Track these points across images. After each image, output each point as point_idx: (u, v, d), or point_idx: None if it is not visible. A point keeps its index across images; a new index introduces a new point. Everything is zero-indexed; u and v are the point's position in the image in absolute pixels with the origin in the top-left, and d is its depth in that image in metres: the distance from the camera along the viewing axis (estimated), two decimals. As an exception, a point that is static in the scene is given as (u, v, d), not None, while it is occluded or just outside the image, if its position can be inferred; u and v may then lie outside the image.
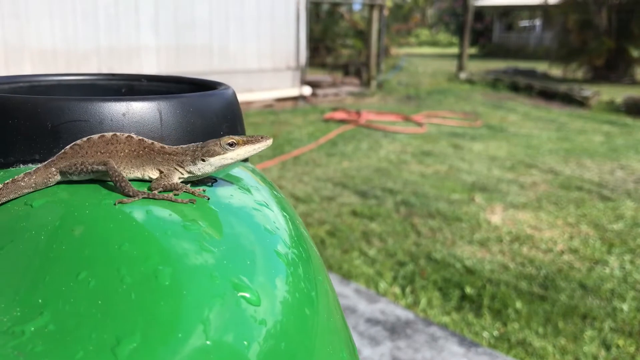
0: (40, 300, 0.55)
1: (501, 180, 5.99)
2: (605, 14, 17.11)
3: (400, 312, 3.18)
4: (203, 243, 0.63)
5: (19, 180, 0.76)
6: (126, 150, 0.80)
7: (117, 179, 0.75)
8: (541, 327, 3.07)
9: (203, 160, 0.80)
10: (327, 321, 0.69)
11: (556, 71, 17.68)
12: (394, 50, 24.48)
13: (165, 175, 0.80)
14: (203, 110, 0.92)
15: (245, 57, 10.62)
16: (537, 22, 31.16)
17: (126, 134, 0.81)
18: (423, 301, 3.31)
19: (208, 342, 0.52)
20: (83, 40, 8.39)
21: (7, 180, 0.76)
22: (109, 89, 1.19)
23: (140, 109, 0.86)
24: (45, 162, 0.79)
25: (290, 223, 0.81)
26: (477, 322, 3.12)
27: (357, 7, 21.86)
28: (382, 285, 3.51)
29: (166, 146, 0.83)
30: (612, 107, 11.66)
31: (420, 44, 38.76)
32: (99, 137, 0.80)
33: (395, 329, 3.00)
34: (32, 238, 0.64)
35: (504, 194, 5.45)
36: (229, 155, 0.79)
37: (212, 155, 0.79)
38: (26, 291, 0.57)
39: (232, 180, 0.87)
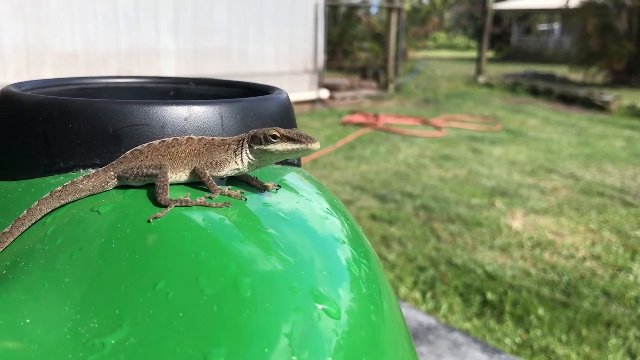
0: (117, 312, 0.53)
1: (521, 185, 5.94)
2: (625, 17, 16.91)
3: (422, 318, 3.16)
4: (278, 252, 0.61)
5: (77, 183, 0.76)
6: (187, 150, 0.79)
7: (159, 184, 0.74)
8: (564, 335, 3.03)
9: (250, 147, 0.79)
10: (397, 332, 0.68)
11: (575, 75, 17.51)
12: (412, 54, 24.41)
13: (219, 165, 0.78)
14: (262, 115, 0.90)
15: (264, 60, 10.65)
16: (556, 26, 30.92)
17: (186, 136, 0.80)
18: (444, 307, 3.29)
19: (294, 358, 0.49)
20: (103, 43, 8.46)
21: (67, 183, 0.76)
22: (157, 92, 1.18)
23: (203, 113, 0.84)
24: (105, 167, 0.79)
25: (352, 230, 0.79)
26: (499, 328, 3.09)
27: (374, 10, 21.86)
28: (403, 290, 3.49)
29: (227, 138, 0.82)
30: (633, 112, 11.52)
31: (438, 47, 38.62)
32: (159, 142, 0.79)
33: (417, 335, 2.98)
34: (103, 246, 0.62)
35: (525, 199, 5.40)
36: (269, 147, 0.78)
37: (256, 143, 0.79)
38: (102, 302, 0.55)
39: (291, 187, 0.85)
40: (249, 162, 0.81)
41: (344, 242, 0.72)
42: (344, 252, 0.69)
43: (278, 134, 0.78)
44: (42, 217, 0.74)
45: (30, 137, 0.82)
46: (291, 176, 0.93)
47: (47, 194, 0.75)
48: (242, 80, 1.16)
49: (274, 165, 0.95)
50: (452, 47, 39.32)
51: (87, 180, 0.76)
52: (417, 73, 18.53)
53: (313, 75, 11.44)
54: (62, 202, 0.75)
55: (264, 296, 0.54)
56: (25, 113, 0.83)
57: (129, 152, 0.79)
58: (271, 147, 0.78)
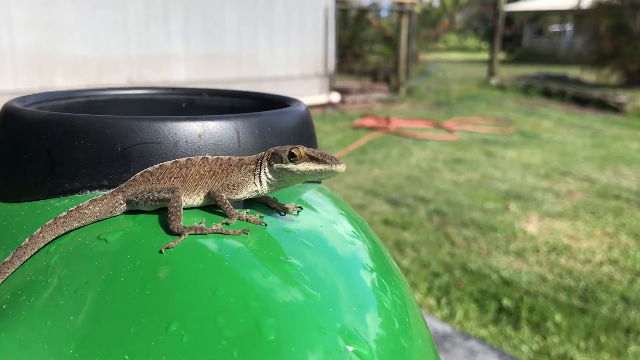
0: (126, 356, 0.48)
1: (536, 188, 5.87)
2: (639, 17, 16.75)
3: (437, 325, 3.11)
4: (303, 286, 0.56)
5: (83, 208, 0.71)
6: (202, 172, 0.74)
7: (172, 210, 0.68)
8: (582, 342, 2.97)
9: (269, 165, 0.74)
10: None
11: (588, 76, 17.36)
12: (423, 56, 24.34)
13: (236, 187, 0.73)
14: (280, 129, 0.85)
15: (274, 64, 10.64)
16: (568, 27, 30.71)
17: (201, 156, 0.75)
18: (459, 313, 3.24)
19: None
20: (114, 48, 8.48)
21: (72, 208, 0.71)
22: (168, 104, 1.13)
23: (217, 130, 0.79)
24: (113, 190, 0.74)
25: (380, 255, 0.74)
26: (515, 335, 3.03)
27: (384, 13, 21.81)
28: (417, 296, 3.44)
29: (245, 157, 0.77)
30: (648, 113, 11.39)
31: (449, 49, 38.49)
32: (172, 163, 0.74)
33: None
34: (111, 279, 0.57)
35: (539, 203, 5.33)
36: (290, 166, 0.73)
37: (276, 162, 0.74)
38: (110, 345, 0.50)
39: (313, 209, 0.80)
40: (268, 183, 0.75)
41: (373, 270, 0.67)
42: (374, 282, 0.64)
43: (300, 153, 0.73)
44: (45, 245, 0.69)
45: (33, 156, 0.77)
46: (312, 195, 0.87)
47: (51, 221, 0.69)
48: (254, 85, 1.12)
49: None
50: (463, 49, 39.17)
51: (94, 205, 0.71)
52: (428, 76, 18.46)
53: (324, 79, 11.42)
54: (67, 228, 0.70)
55: (289, 339, 0.49)
56: (29, 130, 0.78)
57: (138, 174, 0.74)
58: (292, 166, 0.73)
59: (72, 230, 0.71)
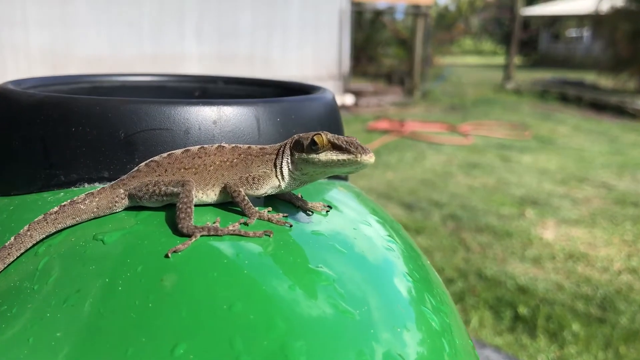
0: None
1: (552, 194, 5.77)
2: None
3: (450, 332, 3.04)
4: (338, 302, 0.46)
5: (78, 203, 0.61)
6: (217, 162, 0.64)
7: (182, 206, 0.58)
8: (601, 352, 2.89)
9: (291, 155, 0.64)
10: None
11: (606, 82, 17.16)
12: (438, 60, 24.22)
13: (256, 181, 0.62)
14: (305, 118, 0.75)
15: (288, 65, 10.61)
16: (586, 32, 30.44)
17: (216, 145, 0.65)
18: (474, 320, 3.17)
19: None
20: (128, 47, 8.50)
21: (65, 203, 0.61)
22: (180, 92, 1.04)
23: (235, 115, 0.68)
24: (113, 182, 0.64)
25: (420, 262, 0.65)
26: (531, 344, 2.96)
27: (400, 15, 21.73)
28: (431, 302, 3.38)
29: (267, 146, 0.67)
30: (666, 120, 11.22)
31: (464, 53, 38.30)
32: (182, 152, 0.64)
33: (445, 350, 2.87)
34: (107, 289, 0.47)
35: (556, 209, 5.24)
36: (311, 157, 0.63)
37: (298, 150, 0.64)
38: None
39: (343, 208, 0.69)
40: (290, 176, 0.65)
41: (415, 282, 0.57)
42: (418, 297, 0.54)
43: (322, 140, 0.62)
44: (34, 245, 0.60)
45: (26, 143, 0.68)
46: (340, 193, 0.76)
47: (40, 217, 0.60)
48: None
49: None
50: (478, 52, 38.98)
51: (91, 199, 0.61)
52: (443, 79, 18.35)
53: (338, 81, 11.37)
54: (59, 226, 0.61)
55: None
56: (21, 114, 0.69)
57: (143, 164, 0.64)
58: (313, 156, 0.62)
59: (64, 229, 0.62)
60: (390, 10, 18.93)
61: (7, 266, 0.59)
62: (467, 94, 14.64)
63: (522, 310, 3.27)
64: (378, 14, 18.64)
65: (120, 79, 1.02)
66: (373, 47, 19.00)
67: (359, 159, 0.61)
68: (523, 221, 4.86)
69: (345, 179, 0.85)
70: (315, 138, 0.62)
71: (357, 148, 0.61)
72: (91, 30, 8.06)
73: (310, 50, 10.89)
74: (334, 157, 0.61)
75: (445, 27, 30.77)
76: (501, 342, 2.97)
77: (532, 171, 6.79)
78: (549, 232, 4.61)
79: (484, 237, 4.43)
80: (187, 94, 1.04)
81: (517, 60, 21.55)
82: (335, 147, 0.62)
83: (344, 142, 0.62)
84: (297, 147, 0.64)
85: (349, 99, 11.59)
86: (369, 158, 0.61)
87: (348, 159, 0.61)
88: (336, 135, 0.63)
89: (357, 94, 12.28)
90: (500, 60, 24.69)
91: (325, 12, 11.00)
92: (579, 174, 6.72)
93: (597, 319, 3.22)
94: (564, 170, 6.87)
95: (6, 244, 0.59)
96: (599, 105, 12.73)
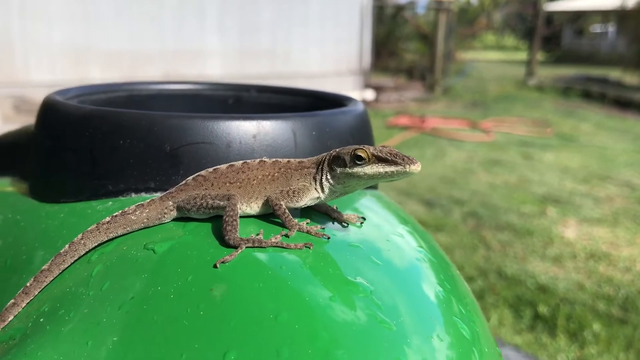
0: None
1: (574, 192, 5.72)
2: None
3: (469, 330, 3.04)
4: (377, 313, 0.48)
5: (129, 214, 0.65)
6: (259, 177, 0.67)
7: (228, 219, 0.61)
8: (622, 353, 2.87)
9: (331, 170, 0.67)
10: None
11: (630, 79, 16.90)
12: (459, 55, 24.04)
13: (296, 194, 0.65)
14: (339, 130, 0.78)
15: (309, 60, 10.61)
16: (611, 28, 29.99)
17: (258, 159, 0.68)
18: (493, 318, 3.16)
19: None
20: (149, 42, 8.56)
21: (116, 213, 0.65)
22: (214, 100, 1.07)
23: (273, 130, 0.72)
24: (162, 194, 0.67)
25: (451, 274, 0.67)
26: (551, 343, 2.95)
27: (421, 10, 21.61)
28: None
29: (305, 159, 0.70)
30: (692, 118, 11.04)
31: (486, 48, 37.96)
32: (227, 167, 0.67)
33: (464, 348, 2.87)
34: (159, 296, 0.50)
35: (578, 208, 5.19)
36: (355, 170, 0.65)
37: (339, 166, 0.66)
38: None
39: (376, 220, 0.72)
40: (330, 189, 0.67)
41: (447, 293, 0.59)
42: (450, 308, 0.56)
43: (367, 154, 0.64)
44: (87, 252, 0.63)
45: (75, 154, 0.71)
46: (371, 203, 0.79)
47: (93, 226, 0.64)
48: (287, 81, 1.06)
49: None
50: (500, 48, 38.60)
51: (141, 210, 0.65)
52: (464, 75, 18.21)
53: (358, 76, 11.35)
54: (111, 235, 0.64)
55: None
56: (70, 126, 0.72)
57: (191, 178, 0.67)
58: (358, 170, 0.64)
59: (115, 238, 0.65)
60: (412, 5, 18.85)
61: (61, 272, 0.62)
62: (488, 90, 14.53)
63: (542, 309, 3.25)
64: (399, 8, 18.55)
65: (156, 87, 1.04)
66: (394, 42, 18.91)
67: (407, 170, 0.63)
68: (544, 219, 4.82)
69: (375, 187, 0.87)
70: (360, 153, 0.64)
71: (403, 159, 0.63)
72: (112, 26, 8.13)
73: (331, 45, 10.88)
74: (381, 170, 0.63)
75: (467, 22, 30.49)
76: (520, 341, 2.96)
77: (553, 169, 6.73)
78: (571, 231, 4.57)
79: (504, 235, 4.41)
80: (221, 102, 1.07)
81: (539, 56, 21.31)
82: (381, 159, 0.63)
83: (388, 154, 0.63)
84: (338, 162, 0.66)
85: (369, 95, 11.56)
86: (417, 167, 0.63)
87: (397, 171, 0.63)
88: (377, 148, 0.65)
89: (378, 89, 12.24)
90: (522, 56, 24.44)
91: (346, 7, 10.98)
92: (601, 172, 6.65)
93: (619, 320, 3.19)
94: (586, 169, 6.80)
95: (61, 251, 0.62)
96: (623, 102, 12.55)
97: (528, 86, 15.34)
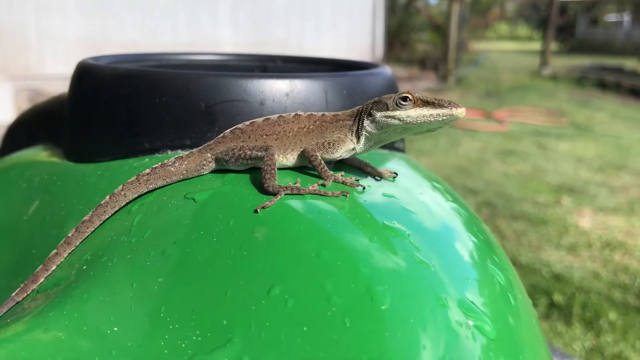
0: (225, 322, 0.43)
1: (589, 182, 5.69)
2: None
3: (485, 318, 3.05)
4: (414, 254, 0.50)
5: (168, 165, 0.67)
6: (295, 129, 0.69)
7: (266, 168, 0.63)
8: (638, 341, 2.87)
9: (370, 116, 0.68)
10: (544, 351, 0.58)
11: (646, 68, 16.73)
12: (472, 45, 23.89)
13: (332, 145, 0.66)
14: (369, 91, 0.80)
15: (321, 51, 10.60)
16: (626, 17, 29.63)
17: (293, 113, 0.70)
18: (509, 307, 3.17)
19: None
20: (163, 34, 8.60)
21: (156, 165, 0.67)
22: (241, 70, 1.09)
23: (305, 88, 0.74)
24: (201, 147, 0.69)
25: (485, 231, 0.70)
26: (567, 332, 2.95)
27: (434, 1, 21.47)
28: (465, 288, 3.38)
29: (339, 112, 0.71)
30: None
31: (499, 38, 37.67)
32: (263, 120, 0.69)
33: (480, 335, 2.88)
34: (202, 240, 0.52)
35: (593, 197, 5.17)
36: (398, 114, 0.65)
37: (380, 110, 0.67)
38: (205, 309, 0.45)
39: (408, 177, 0.74)
40: (366, 138, 0.68)
41: (480, 242, 0.61)
42: (483, 255, 0.58)
43: (413, 97, 0.65)
44: (127, 203, 0.66)
45: (111, 114, 0.73)
46: (401, 164, 0.81)
47: (133, 178, 0.66)
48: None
49: (378, 151, 0.82)
50: (513, 38, 38.29)
51: (180, 162, 0.67)
52: (478, 65, 18.11)
53: (371, 66, 11.33)
54: (151, 187, 0.67)
55: (406, 310, 0.44)
56: (107, 87, 0.74)
57: (228, 131, 0.69)
58: (401, 113, 0.65)
59: (155, 189, 0.67)
60: (425, -5, 18.73)
61: (102, 223, 0.64)
62: (502, 80, 14.43)
63: (558, 298, 3.25)
64: (412, -1, 18.45)
65: (184, 57, 1.07)
66: (407, 32, 18.84)
67: (453, 112, 0.64)
68: (559, 209, 4.81)
69: (402, 151, 0.89)
70: (406, 94, 0.65)
71: (449, 103, 0.64)
72: (127, 18, 8.18)
73: (344, 35, 10.86)
74: (426, 112, 0.65)
75: (480, 12, 30.26)
76: (536, 329, 2.97)
77: (568, 158, 6.69)
78: (586, 220, 4.56)
79: (519, 225, 4.40)
80: (248, 71, 1.09)
81: (553, 46, 21.13)
82: (427, 103, 0.65)
83: (433, 98, 0.65)
84: (379, 106, 0.67)
85: (382, 85, 11.54)
86: (462, 111, 0.64)
87: (442, 113, 0.64)
88: (421, 93, 0.66)
89: (390, 80, 12.20)
90: (536, 46, 24.23)
91: (359, -3, 10.95)
92: (616, 161, 6.60)
93: (635, 308, 3.18)
94: (601, 158, 6.76)
95: (102, 202, 0.64)
96: (638, 91, 12.42)
97: (542, 76, 15.22)
